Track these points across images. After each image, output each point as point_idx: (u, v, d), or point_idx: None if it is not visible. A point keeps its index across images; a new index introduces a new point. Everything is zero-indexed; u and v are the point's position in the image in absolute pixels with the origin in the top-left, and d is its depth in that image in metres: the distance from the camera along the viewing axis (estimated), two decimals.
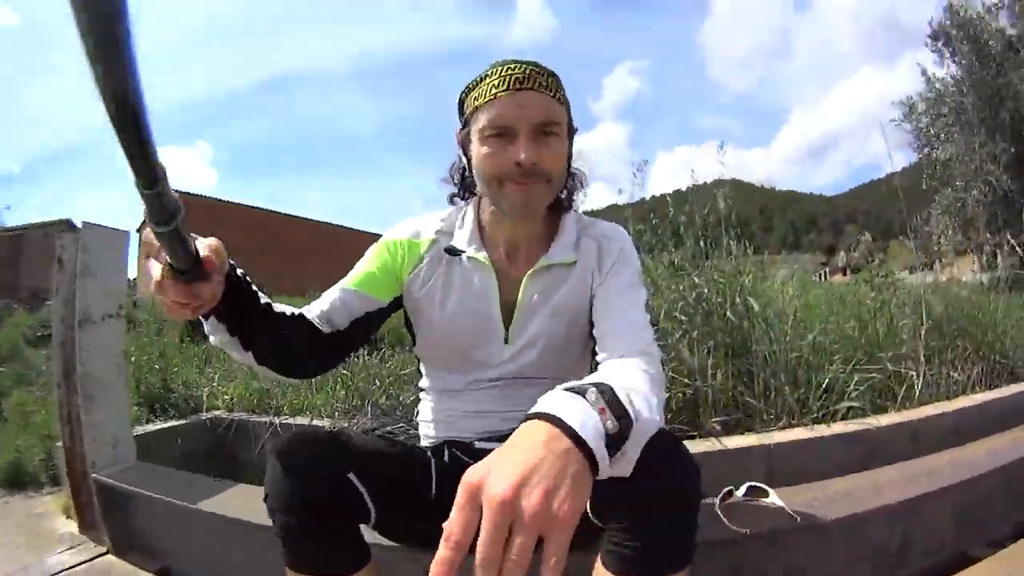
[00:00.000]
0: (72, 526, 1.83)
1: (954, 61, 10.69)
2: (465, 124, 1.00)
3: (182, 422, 2.31)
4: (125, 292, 1.82)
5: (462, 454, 1.03)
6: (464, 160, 1.04)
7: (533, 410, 0.56)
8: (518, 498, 0.44)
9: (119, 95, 0.33)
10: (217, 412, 2.50)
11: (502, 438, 0.99)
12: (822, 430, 1.71)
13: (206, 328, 0.82)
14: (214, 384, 2.78)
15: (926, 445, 1.71)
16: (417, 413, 1.17)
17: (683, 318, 2.13)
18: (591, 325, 1.01)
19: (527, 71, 0.93)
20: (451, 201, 1.11)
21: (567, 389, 0.59)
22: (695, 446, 1.67)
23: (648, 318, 0.94)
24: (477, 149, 0.96)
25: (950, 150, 10.40)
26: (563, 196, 1.07)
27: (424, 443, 1.12)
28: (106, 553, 1.67)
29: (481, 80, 0.96)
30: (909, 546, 1.31)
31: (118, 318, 1.74)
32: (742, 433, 1.79)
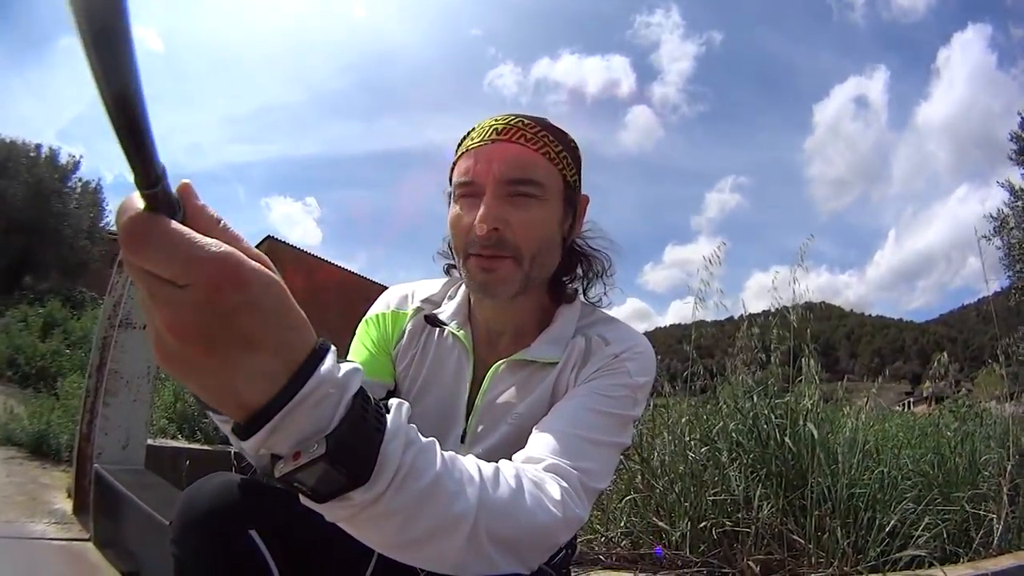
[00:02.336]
0: (68, 505, 1.87)
1: None
2: (450, 182, 0.87)
3: (205, 448, 2.34)
4: None
5: None
6: None
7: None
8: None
9: (119, 94, 0.32)
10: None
11: None
12: None
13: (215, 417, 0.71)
14: None
15: None
16: None
17: (735, 436, 1.96)
18: None
19: (511, 122, 0.79)
20: (447, 272, 0.96)
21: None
22: None
23: (606, 439, 0.71)
24: (450, 210, 0.82)
25: None
26: (569, 283, 0.89)
27: None
28: (87, 540, 1.66)
29: (468, 134, 0.84)
30: None
31: None
32: (783, 575, 1.58)
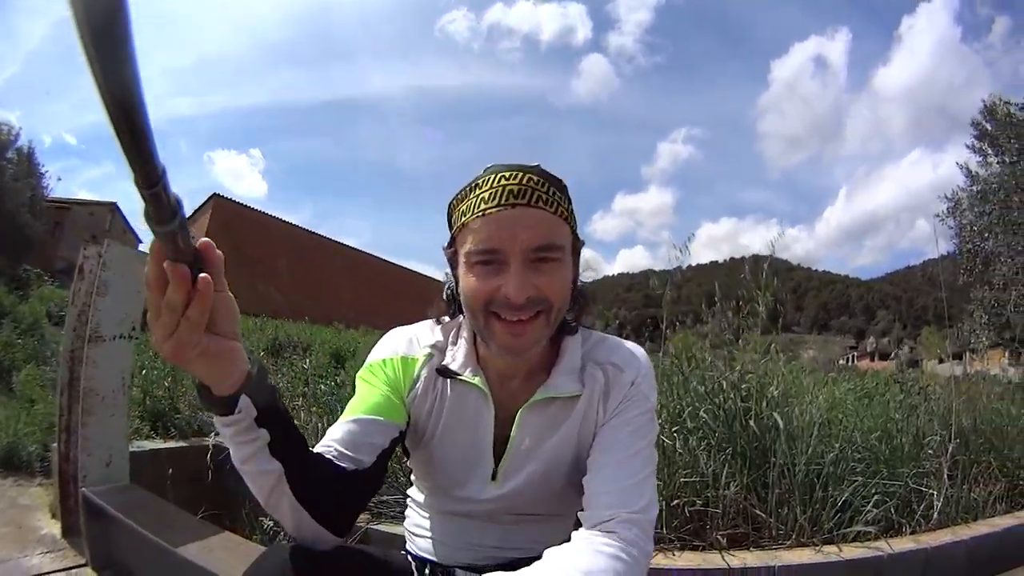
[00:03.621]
0: (55, 527, 1.79)
1: (998, 160, 10.58)
2: (452, 242, 0.86)
3: (181, 444, 2.30)
4: (140, 314, 1.79)
5: None
6: (453, 279, 0.89)
7: None
8: None
9: (119, 95, 0.33)
10: (220, 439, 2.49)
11: (483, 570, 0.89)
12: (831, 553, 1.64)
13: (220, 425, 0.69)
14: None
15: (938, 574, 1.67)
16: (405, 518, 1.08)
17: (705, 416, 2.08)
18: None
19: (524, 182, 0.79)
20: (438, 322, 0.97)
21: None
22: (697, 559, 1.61)
23: (647, 471, 0.83)
24: (463, 276, 0.82)
25: (991, 246, 10.13)
26: (568, 318, 0.92)
27: (410, 544, 1.04)
28: (84, 565, 1.62)
29: (470, 191, 0.82)
30: None
31: (129, 340, 1.73)
32: (748, 548, 1.72)
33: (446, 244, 0.88)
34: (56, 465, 1.72)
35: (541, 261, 0.79)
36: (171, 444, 2.31)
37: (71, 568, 1.60)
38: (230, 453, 0.72)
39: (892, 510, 1.88)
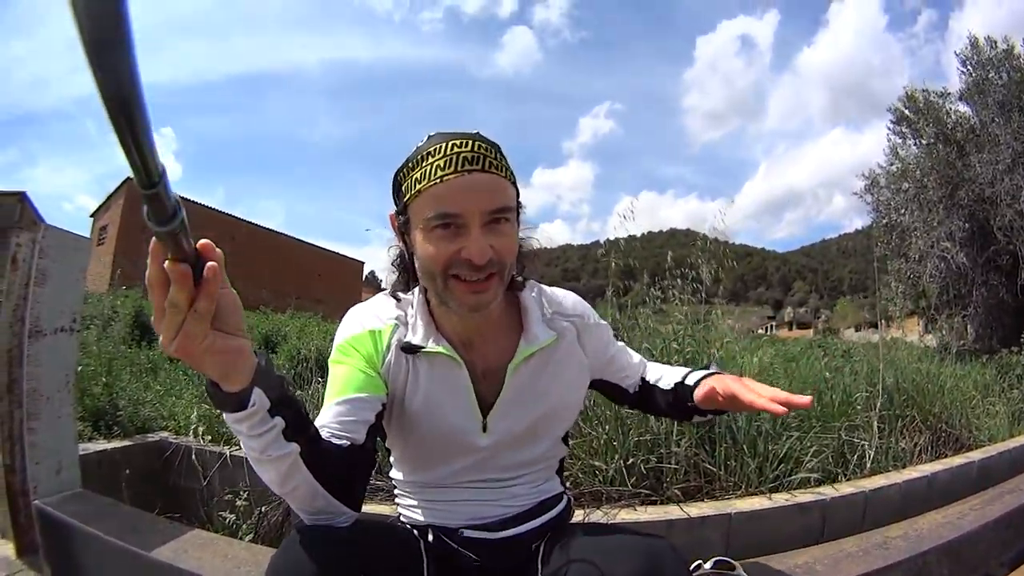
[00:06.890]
0: (8, 548, 1.63)
1: (915, 143, 11.26)
2: (404, 210, 0.88)
3: (127, 443, 2.17)
4: (81, 304, 1.68)
5: (449, 539, 0.98)
6: (404, 247, 0.93)
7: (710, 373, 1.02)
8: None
9: (119, 95, 0.33)
10: (164, 434, 2.36)
11: (488, 527, 0.96)
12: (780, 500, 1.75)
13: (233, 422, 0.69)
14: (156, 404, 2.60)
15: (876, 514, 1.82)
16: (395, 499, 1.10)
17: None
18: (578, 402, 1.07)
19: (476, 148, 0.83)
20: (396, 298, 0.99)
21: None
22: (658, 512, 1.69)
23: (628, 349, 1.16)
24: (420, 242, 0.85)
25: (907, 221, 10.76)
26: (514, 274, 0.96)
27: (406, 518, 1.06)
28: None
29: (422, 159, 0.84)
30: None
31: (71, 333, 1.61)
32: (702, 499, 1.82)
33: (395, 212, 0.91)
34: (1, 479, 1.57)
35: (495, 223, 0.84)
36: (117, 444, 2.18)
37: None
38: (244, 448, 0.73)
39: (830, 459, 2.04)
